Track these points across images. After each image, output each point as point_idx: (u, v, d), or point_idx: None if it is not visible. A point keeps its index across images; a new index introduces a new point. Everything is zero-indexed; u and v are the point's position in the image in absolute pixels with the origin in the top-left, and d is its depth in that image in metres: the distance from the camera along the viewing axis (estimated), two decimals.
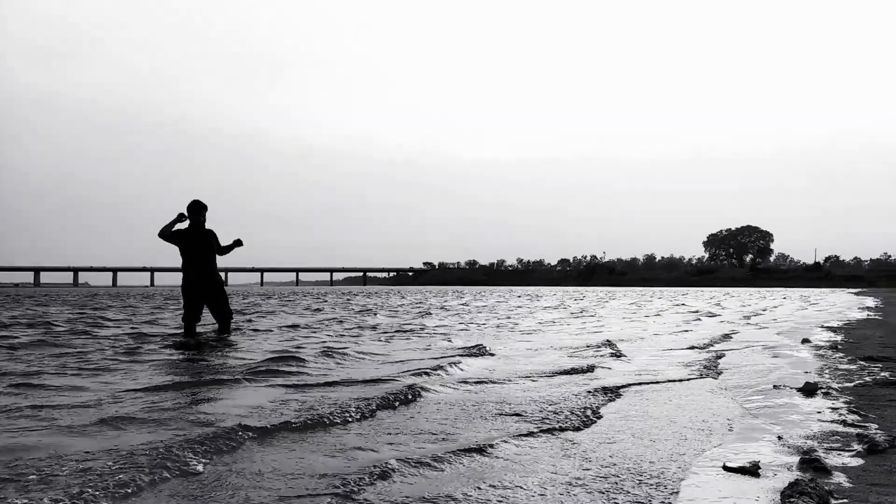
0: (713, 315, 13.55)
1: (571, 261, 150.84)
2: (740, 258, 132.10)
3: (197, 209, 7.60)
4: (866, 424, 3.11)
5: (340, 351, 6.15)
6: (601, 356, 5.92)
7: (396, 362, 5.53)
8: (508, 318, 12.38)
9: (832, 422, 3.22)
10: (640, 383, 4.43)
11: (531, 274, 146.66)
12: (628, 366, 5.36)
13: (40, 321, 10.50)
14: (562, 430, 3.05)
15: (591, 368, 5.06)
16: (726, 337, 8.16)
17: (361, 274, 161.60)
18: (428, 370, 4.84)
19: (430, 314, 13.62)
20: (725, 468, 2.45)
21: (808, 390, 4.01)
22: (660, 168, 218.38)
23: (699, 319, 12.09)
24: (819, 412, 3.45)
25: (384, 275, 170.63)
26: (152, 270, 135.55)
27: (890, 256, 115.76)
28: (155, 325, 10.12)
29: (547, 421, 3.22)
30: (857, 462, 2.53)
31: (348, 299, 25.95)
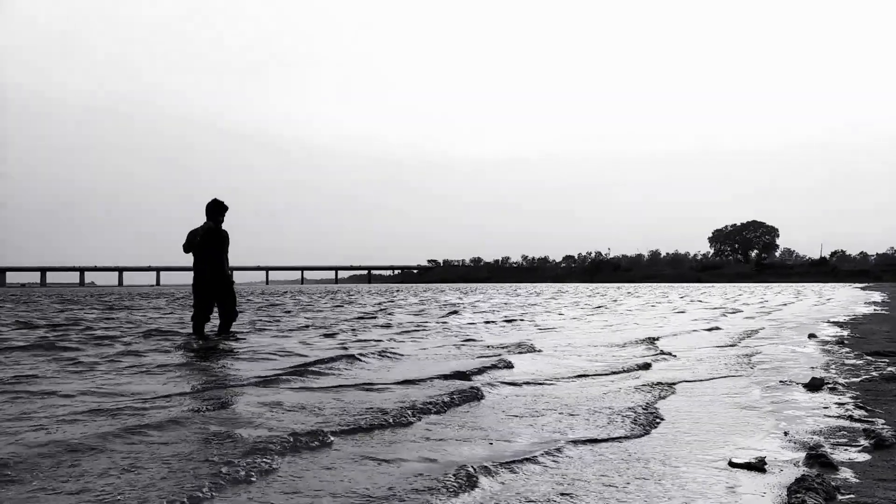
0: (736, 311, 13.38)
1: (576, 257, 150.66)
2: (746, 254, 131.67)
3: (216, 209, 7.53)
4: (873, 420, 3.10)
5: (392, 351, 6.01)
6: (651, 354, 5.84)
7: (447, 359, 5.47)
8: (536, 314, 12.26)
9: (839, 417, 3.21)
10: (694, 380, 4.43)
11: (536, 271, 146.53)
12: (676, 362, 5.39)
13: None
14: (618, 439, 2.89)
15: (646, 366, 5.02)
16: (752, 333, 8.07)
17: (366, 272, 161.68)
18: (481, 368, 4.76)
19: (458, 312, 13.29)
20: (731, 464, 2.45)
21: (815, 385, 4.00)
22: (664, 164, 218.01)
23: (724, 315, 12.07)
24: (825, 407, 3.44)
25: (389, 273, 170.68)
26: (158, 270, 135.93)
27: None
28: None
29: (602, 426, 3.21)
30: (863, 457, 2.52)
31: (363, 297, 25.55)
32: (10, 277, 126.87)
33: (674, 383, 4.24)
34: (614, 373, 4.75)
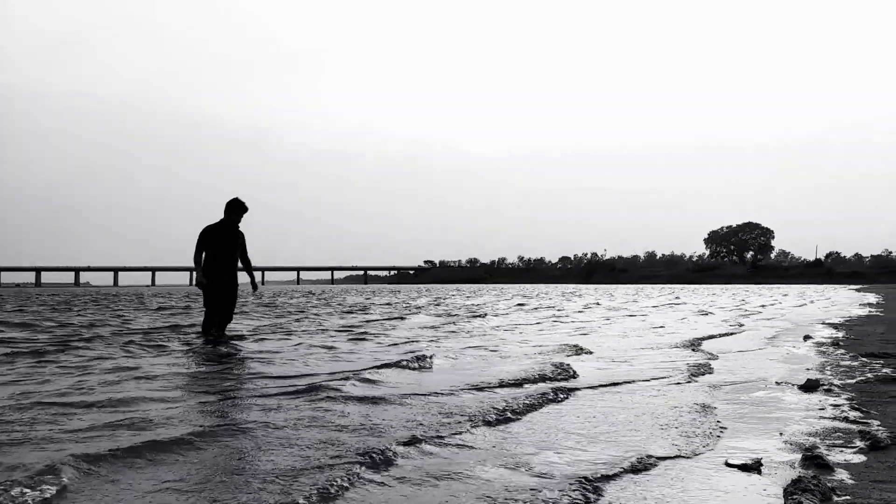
0: (750, 313, 13.21)
1: (572, 258, 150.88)
2: (741, 255, 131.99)
3: (230, 208, 7.42)
4: (868, 421, 3.10)
5: (449, 351, 5.93)
6: (697, 356, 5.77)
7: (504, 359, 5.42)
8: (567, 317, 11.98)
9: (834, 418, 3.21)
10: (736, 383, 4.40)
11: (532, 272, 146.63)
12: (726, 363, 5.38)
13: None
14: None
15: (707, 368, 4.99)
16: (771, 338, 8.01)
17: (363, 272, 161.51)
18: (544, 373, 4.62)
19: (486, 315, 12.61)
20: (728, 465, 2.45)
21: (810, 387, 4.01)
22: (661, 165, 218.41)
23: (747, 315, 12.14)
24: (821, 409, 3.44)
25: (385, 273, 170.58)
26: (153, 270, 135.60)
27: (891, 253, 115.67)
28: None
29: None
30: (859, 459, 2.52)
31: (372, 299, 24.51)
32: (5, 277, 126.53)
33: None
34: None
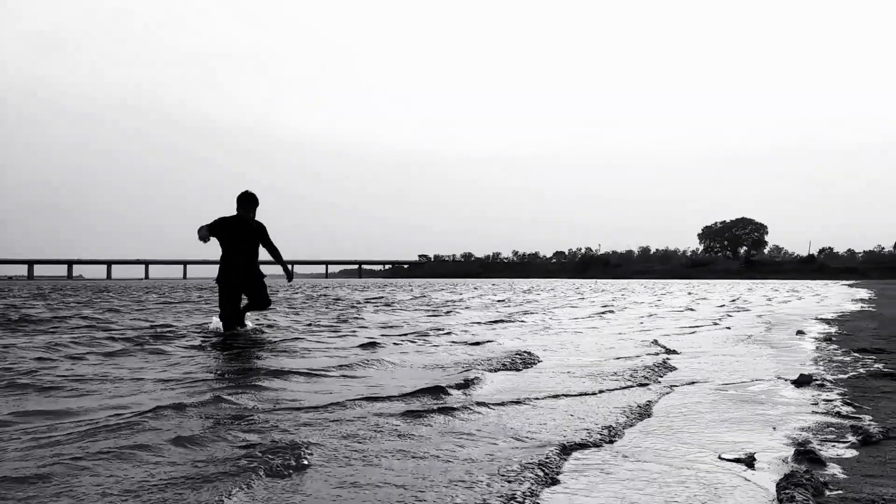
0: (741, 309, 13.15)
1: (566, 253, 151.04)
2: (735, 250, 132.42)
3: (243, 202, 7.21)
4: (860, 416, 3.12)
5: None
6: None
7: (606, 358, 5.32)
8: (614, 313, 11.76)
9: (826, 413, 3.23)
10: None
11: (527, 266, 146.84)
12: (717, 358, 5.40)
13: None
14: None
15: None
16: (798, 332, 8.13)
17: (357, 267, 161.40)
18: (640, 369, 4.59)
19: (530, 312, 11.89)
20: (721, 459, 2.46)
21: (803, 382, 4.03)
22: (654, 161, 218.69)
23: (739, 310, 12.15)
24: (814, 404, 3.46)
25: (380, 268, 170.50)
26: (147, 263, 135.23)
27: (883, 248, 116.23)
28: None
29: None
30: (851, 453, 2.54)
31: (388, 294, 22.77)
32: None
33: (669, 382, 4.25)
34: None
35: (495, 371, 4.57)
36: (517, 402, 3.47)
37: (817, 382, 4.04)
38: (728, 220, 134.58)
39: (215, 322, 7.60)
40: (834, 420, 3.08)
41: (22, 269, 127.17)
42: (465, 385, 3.90)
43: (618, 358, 5.28)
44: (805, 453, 2.46)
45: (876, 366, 4.69)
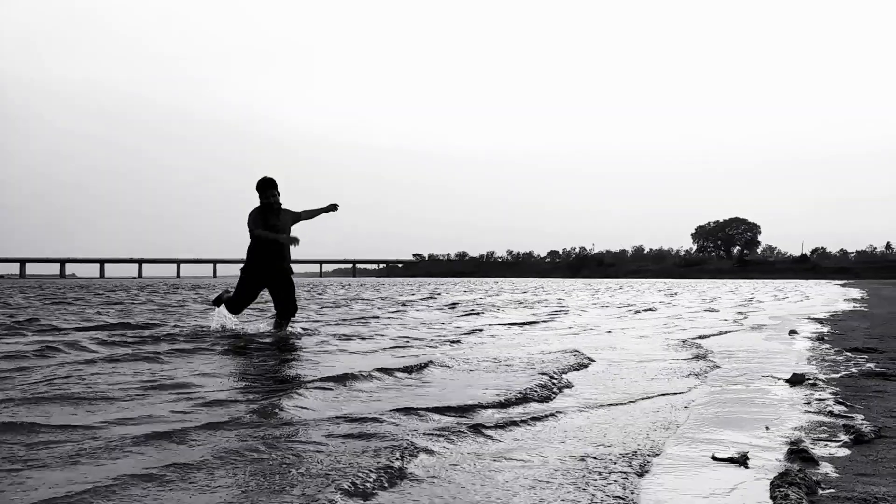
0: (735, 308, 13.12)
1: (560, 252, 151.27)
2: (728, 250, 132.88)
3: (262, 187, 6.79)
4: (853, 415, 3.14)
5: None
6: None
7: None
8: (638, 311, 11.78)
9: (819, 412, 3.25)
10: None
11: (521, 266, 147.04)
12: (712, 358, 5.43)
13: None
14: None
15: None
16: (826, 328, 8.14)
17: (351, 265, 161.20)
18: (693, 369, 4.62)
19: (564, 311, 11.70)
20: (714, 458, 2.48)
21: (796, 381, 4.05)
22: (648, 161, 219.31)
23: (732, 309, 12.25)
24: (807, 403, 3.48)
25: (374, 266, 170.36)
26: (140, 262, 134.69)
27: (875, 248, 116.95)
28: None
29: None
30: (843, 452, 2.55)
31: (407, 296, 20.48)
32: None
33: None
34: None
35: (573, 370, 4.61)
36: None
37: (810, 381, 4.06)
38: (721, 220, 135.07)
39: (216, 319, 7.16)
40: (827, 419, 3.10)
41: (14, 268, 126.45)
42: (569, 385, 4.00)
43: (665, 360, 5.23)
44: (798, 452, 2.48)
45: (868, 365, 4.72)
